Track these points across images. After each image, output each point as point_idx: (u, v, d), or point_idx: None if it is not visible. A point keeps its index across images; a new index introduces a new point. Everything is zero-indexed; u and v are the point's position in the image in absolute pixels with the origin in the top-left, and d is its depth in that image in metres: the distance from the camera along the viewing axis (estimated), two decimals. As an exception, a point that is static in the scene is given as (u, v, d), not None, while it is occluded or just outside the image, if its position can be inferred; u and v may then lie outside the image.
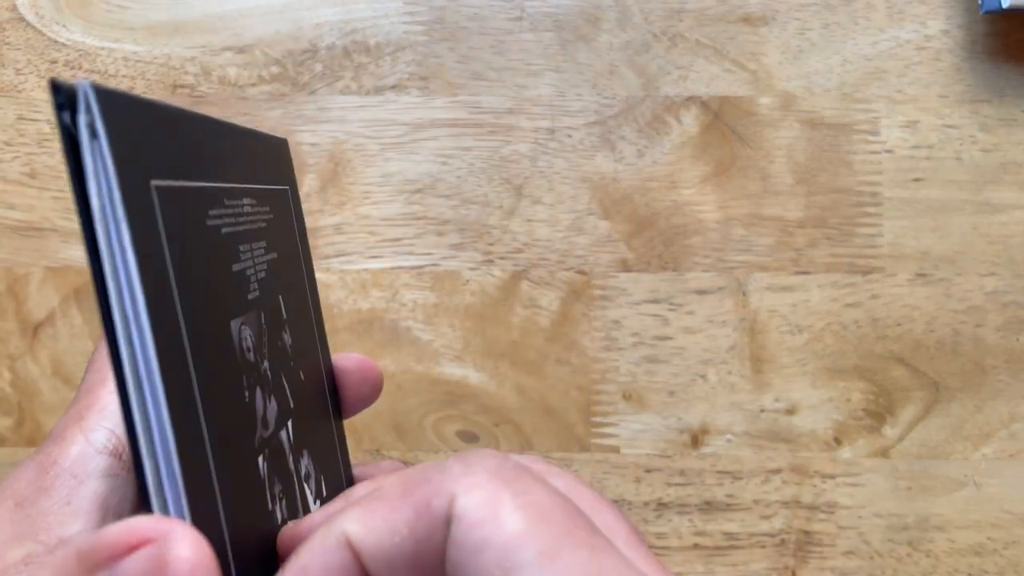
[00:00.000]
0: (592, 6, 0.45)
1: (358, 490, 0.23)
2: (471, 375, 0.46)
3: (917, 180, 0.46)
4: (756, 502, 0.45)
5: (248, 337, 0.20)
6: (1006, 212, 0.46)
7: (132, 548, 0.16)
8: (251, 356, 0.20)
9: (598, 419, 0.46)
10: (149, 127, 0.16)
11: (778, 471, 0.45)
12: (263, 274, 0.22)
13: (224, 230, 0.20)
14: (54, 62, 0.46)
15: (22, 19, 0.46)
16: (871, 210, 0.46)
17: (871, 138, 0.46)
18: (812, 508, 0.45)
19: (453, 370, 0.46)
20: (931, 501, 0.45)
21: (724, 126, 0.46)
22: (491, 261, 0.46)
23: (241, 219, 0.21)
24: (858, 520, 0.45)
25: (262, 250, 0.22)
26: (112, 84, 0.46)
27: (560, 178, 0.45)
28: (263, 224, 0.23)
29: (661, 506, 0.45)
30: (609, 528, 0.20)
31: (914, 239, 0.46)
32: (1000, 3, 0.43)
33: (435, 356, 0.46)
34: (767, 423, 0.46)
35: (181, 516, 0.16)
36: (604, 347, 0.45)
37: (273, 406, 0.21)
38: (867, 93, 0.46)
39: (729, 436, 0.45)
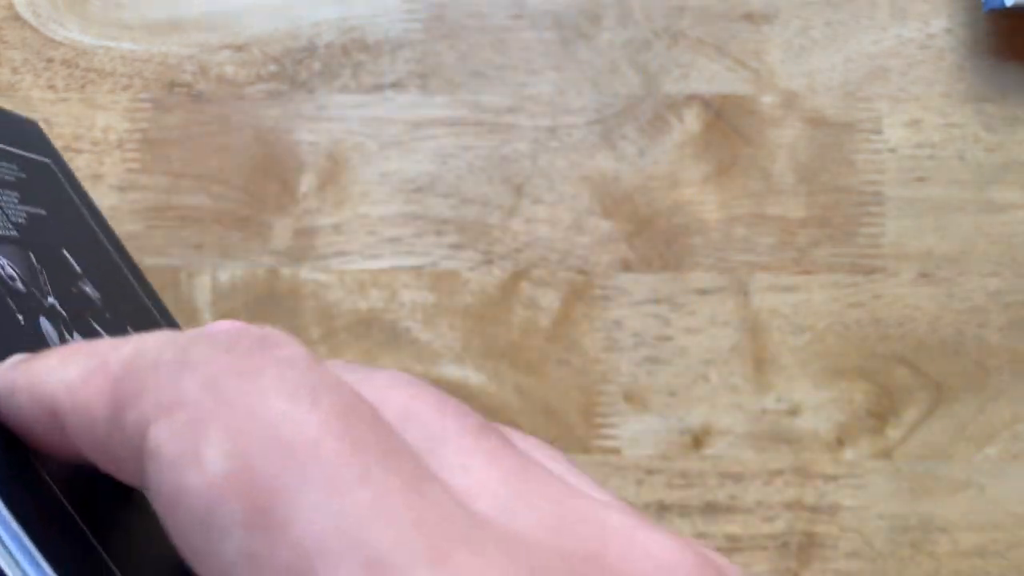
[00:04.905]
0: (592, 4, 0.45)
1: None
2: (471, 376, 0.45)
3: (920, 179, 0.46)
4: (758, 504, 0.45)
5: (6, 264, 0.23)
6: (1009, 212, 0.46)
7: None
8: (19, 285, 0.22)
9: (599, 420, 0.45)
10: None
11: (780, 472, 0.45)
12: (21, 219, 0.25)
13: None
14: (51, 60, 0.45)
15: (18, 17, 0.45)
16: (874, 209, 0.45)
17: (874, 137, 0.45)
18: (815, 510, 0.45)
19: (453, 371, 0.45)
20: (934, 502, 0.45)
21: (726, 125, 0.45)
22: (491, 261, 0.45)
23: None
24: (861, 522, 0.45)
25: (15, 199, 0.26)
26: (110, 82, 0.45)
27: (561, 177, 0.45)
28: (12, 178, 0.27)
29: (663, 508, 0.45)
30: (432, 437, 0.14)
31: (917, 239, 0.45)
32: (1004, 1, 0.43)
33: (435, 357, 0.45)
34: (769, 424, 0.45)
35: None
36: (605, 347, 0.45)
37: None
38: (870, 92, 0.45)
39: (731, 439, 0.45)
